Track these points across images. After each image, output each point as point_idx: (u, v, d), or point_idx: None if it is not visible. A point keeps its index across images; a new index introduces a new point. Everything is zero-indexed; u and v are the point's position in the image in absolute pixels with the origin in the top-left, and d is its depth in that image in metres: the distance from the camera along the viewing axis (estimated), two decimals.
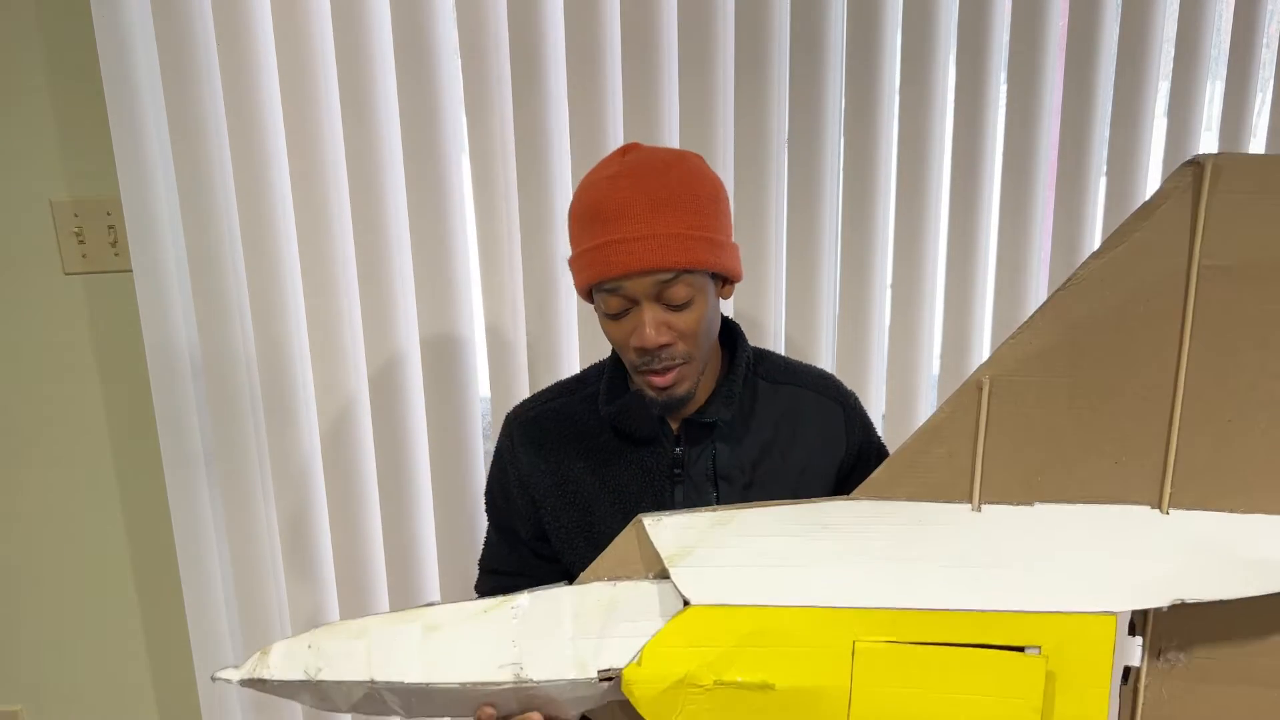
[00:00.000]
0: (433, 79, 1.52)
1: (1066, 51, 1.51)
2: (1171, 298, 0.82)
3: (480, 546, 1.36)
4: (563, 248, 1.60)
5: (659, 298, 1.07)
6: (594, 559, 1.22)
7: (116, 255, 1.61)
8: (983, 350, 1.65)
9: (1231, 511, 0.89)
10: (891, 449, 1.64)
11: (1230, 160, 0.78)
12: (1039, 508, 0.89)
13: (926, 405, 1.67)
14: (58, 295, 1.63)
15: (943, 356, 1.66)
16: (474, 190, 1.58)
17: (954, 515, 0.89)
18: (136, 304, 1.56)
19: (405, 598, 1.74)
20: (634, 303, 1.08)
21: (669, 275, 1.06)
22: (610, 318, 1.11)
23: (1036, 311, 0.84)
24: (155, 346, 1.57)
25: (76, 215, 1.59)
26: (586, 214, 1.10)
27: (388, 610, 1.76)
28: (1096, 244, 1.58)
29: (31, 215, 1.60)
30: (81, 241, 1.60)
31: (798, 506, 0.94)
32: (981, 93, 1.52)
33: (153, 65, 1.48)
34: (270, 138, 1.52)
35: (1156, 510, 0.89)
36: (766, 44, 1.51)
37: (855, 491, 0.91)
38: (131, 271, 1.54)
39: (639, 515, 0.93)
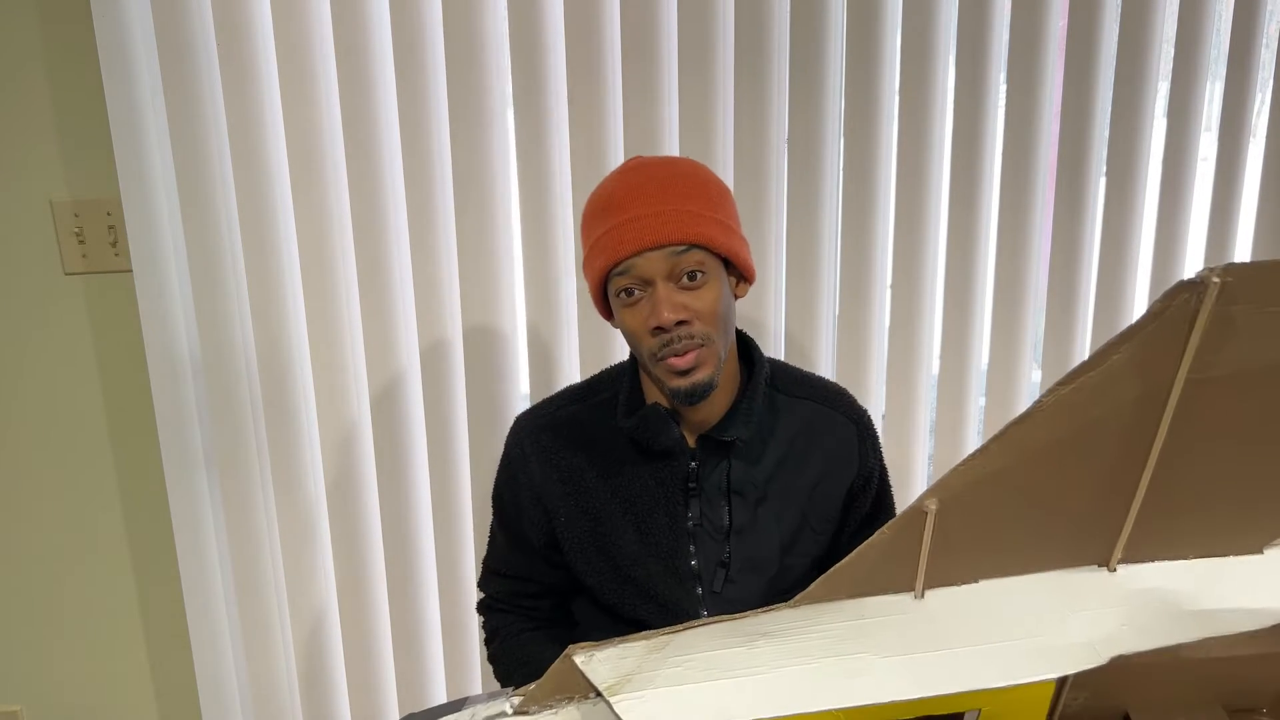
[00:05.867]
0: (433, 81, 1.52)
1: (1066, 51, 1.51)
2: (1149, 412, 0.78)
3: (479, 545, 1.36)
4: (562, 249, 1.60)
5: (672, 275, 1.08)
6: (606, 568, 1.22)
7: (116, 255, 1.61)
8: (983, 350, 1.65)
9: (1179, 559, 0.88)
10: (892, 447, 1.65)
11: (1238, 273, 0.71)
12: (983, 584, 0.89)
13: (926, 405, 1.67)
14: (58, 295, 1.63)
15: (943, 356, 1.66)
16: (473, 193, 1.58)
17: (896, 605, 0.88)
18: (136, 304, 1.56)
19: (405, 598, 1.74)
20: (648, 285, 1.08)
21: (681, 249, 1.07)
22: (626, 305, 1.10)
23: (991, 439, 0.79)
24: (155, 346, 1.57)
25: (76, 215, 1.59)
26: (597, 208, 1.13)
27: (387, 612, 1.76)
28: (1097, 244, 1.59)
29: (31, 215, 1.59)
30: (81, 241, 1.60)
31: (735, 621, 0.92)
32: (981, 93, 1.52)
33: (153, 65, 1.48)
34: (270, 138, 1.52)
35: (1104, 569, 0.89)
36: (766, 45, 1.50)
37: (795, 599, 0.91)
38: (131, 271, 1.54)
39: (569, 648, 0.91)
